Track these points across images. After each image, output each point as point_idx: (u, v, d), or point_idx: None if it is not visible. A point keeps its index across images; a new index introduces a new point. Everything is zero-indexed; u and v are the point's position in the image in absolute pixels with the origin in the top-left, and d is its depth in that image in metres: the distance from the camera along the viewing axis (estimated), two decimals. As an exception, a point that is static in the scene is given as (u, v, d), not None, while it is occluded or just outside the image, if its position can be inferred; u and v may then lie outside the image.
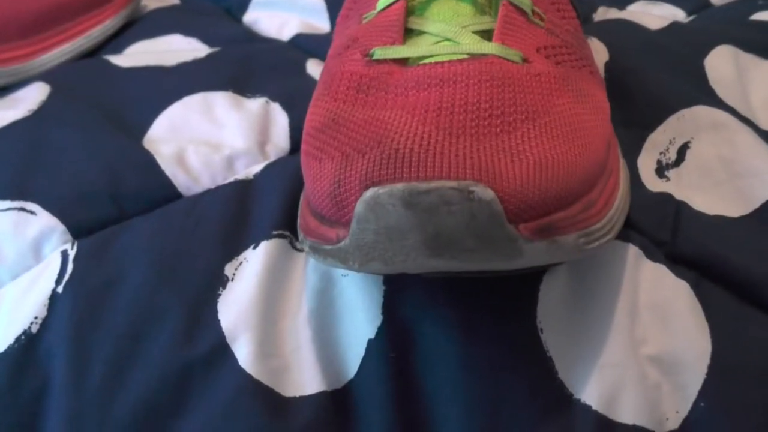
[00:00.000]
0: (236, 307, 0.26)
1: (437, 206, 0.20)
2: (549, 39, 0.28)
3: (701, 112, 0.33)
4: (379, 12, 0.29)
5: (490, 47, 0.26)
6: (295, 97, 0.36)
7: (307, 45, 0.42)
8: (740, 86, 0.36)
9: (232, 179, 0.31)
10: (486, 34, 0.28)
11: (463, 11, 0.28)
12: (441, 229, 0.20)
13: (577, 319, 0.25)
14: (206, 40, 0.43)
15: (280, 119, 0.35)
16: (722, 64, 0.37)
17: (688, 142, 0.32)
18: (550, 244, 0.21)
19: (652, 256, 0.28)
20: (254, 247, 0.28)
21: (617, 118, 0.34)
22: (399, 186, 0.20)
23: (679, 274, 0.27)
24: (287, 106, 0.35)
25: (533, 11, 0.28)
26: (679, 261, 0.28)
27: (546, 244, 0.21)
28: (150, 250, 0.28)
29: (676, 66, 0.37)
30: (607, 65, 0.37)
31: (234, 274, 0.27)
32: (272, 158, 0.33)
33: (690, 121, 0.33)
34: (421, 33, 0.28)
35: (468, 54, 0.26)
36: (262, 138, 0.34)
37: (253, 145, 0.33)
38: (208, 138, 0.33)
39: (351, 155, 0.22)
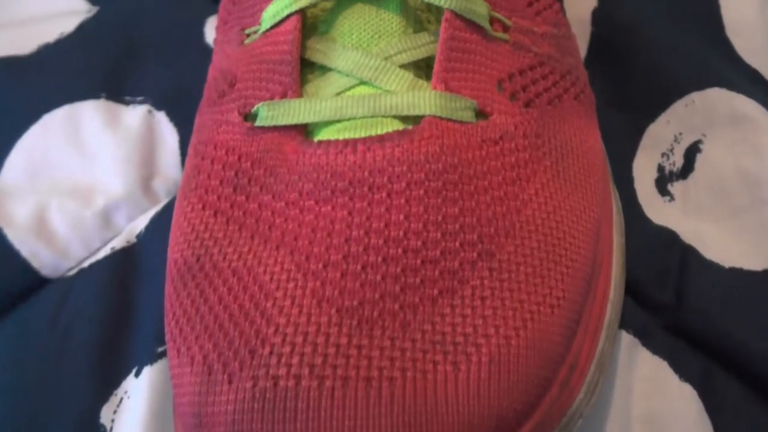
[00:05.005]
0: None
1: None
2: (516, 60, 0.20)
3: (717, 97, 0.25)
4: (264, 32, 0.20)
5: (426, 103, 0.18)
6: (185, 94, 0.27)
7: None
8: (765, 33, 0.27)
9: (109, 247, 0.24)
10: (423, 66, 0.19)
11: (387, 27, 0.20)
12: None
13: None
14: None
15: (168, 137, 0.27)
16: (742, 2, 0.28)
17: (699, 141, 0.25)
18: None
19: (650, 341, 0.21)
20: (136, 374, 0.21)
21: (607, 99, 0.26)
22: None
23: (683, 374, 0.21)
24: (176, 115, 0.27)
25: (492, 19, 0.20)
26: (682, 335, 0.22)
27: None
28: (5, 396, 0.21)
29: (683, 12, 0.28)
30: (595, 15, 0.28)
31: (113, 421, 0.21)
32: (161, 199, 0.25)
33: (701, 110, 0.25)
34: (326, 70, 0.19)
35: (393, 117, 0.18)
36: (146, 171, 0.26)
37: (134, 185, 0.25)
38: (76, 180, 0.25)
39: (214, 367, 0.15)
